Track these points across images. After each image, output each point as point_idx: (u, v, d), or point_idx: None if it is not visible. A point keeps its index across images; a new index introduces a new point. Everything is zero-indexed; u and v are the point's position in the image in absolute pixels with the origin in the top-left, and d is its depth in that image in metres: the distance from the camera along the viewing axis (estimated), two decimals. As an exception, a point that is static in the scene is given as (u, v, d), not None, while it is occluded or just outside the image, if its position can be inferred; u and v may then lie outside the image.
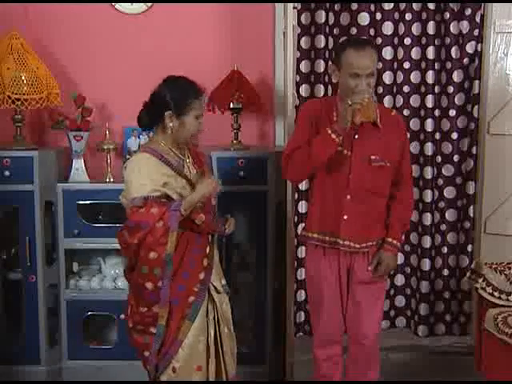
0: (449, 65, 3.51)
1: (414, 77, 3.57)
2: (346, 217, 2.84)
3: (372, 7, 3.50)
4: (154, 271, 2.58)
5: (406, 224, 3.04)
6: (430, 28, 3.49)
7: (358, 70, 2.71)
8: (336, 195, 2.84)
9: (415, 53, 3.54)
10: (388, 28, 3.53)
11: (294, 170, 2.85)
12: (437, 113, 3.57)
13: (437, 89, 3.55)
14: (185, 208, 2.57)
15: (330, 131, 2.71)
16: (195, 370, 2.69)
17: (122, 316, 3.58)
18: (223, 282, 2.82)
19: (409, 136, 3.52)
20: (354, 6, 3.50)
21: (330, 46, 3.52)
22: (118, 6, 3.81)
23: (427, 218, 3.61)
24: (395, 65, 3.58)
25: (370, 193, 2.84)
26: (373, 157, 2.80)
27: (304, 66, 3.53)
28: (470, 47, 3.49)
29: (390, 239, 2.91)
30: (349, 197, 2.83)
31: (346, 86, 2.76)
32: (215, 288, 2.76)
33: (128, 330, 2.76)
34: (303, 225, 3.48)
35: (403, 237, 3.33)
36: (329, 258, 2.91)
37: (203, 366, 2.70)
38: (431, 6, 3.47)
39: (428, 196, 3.60)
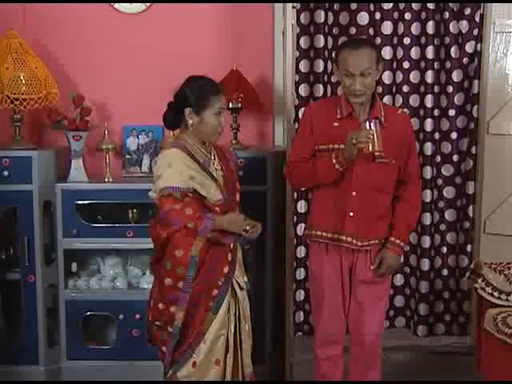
0: (448, 64, 3.50)
1: (414, 76, 3.55)
2: (351, 214, 2.84)
3: (371, 7, 3.49)
4: (176, 269, 2.65)
5: (411, 224, 3.02)
6: (430, 28, 3.48)
7: (351, 68, 2.74)
8: (341, 192, 2.84)
9: (414, 52, 3.53)
10: (387, 28, 3.52)
11: (296, 182, 3.04)
12: (436, 112, 3.56)
13: (436, 88, 3.54)
14: (212, 227, 2.63)
15: (334, 160, 2.75)
16: (214, 363, 2.72)
17: (121, 316, 3.60)
18: (245, 279, 2.86)
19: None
20: (354, 5, 3.48)
21: (330, 45, 3.50)
22: (116, 5, 3.81)
23: (426, 218, 3.59)
24: (394, 64, 3.57)
25: (375, 190, 2.84)
26: (377, 153, 2.80)
27: (303, 66, 3.52)
28: (469, 47, 3.47)
29: (393, 239, 2.90)
30: (354, 193, 2.83)
31: (343, 85, 2.81)
32: (238, 284, 2.79)
33: (148, 322, 2.82)
34: (303, 225, 3.48)
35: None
36: (331, 257, 2.91)
37: (221, 361, 2.73)
38: (431, 5, 3.46)
39: (427, 196, 3.58)
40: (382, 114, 2.85)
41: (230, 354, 2.75)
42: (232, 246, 2.78)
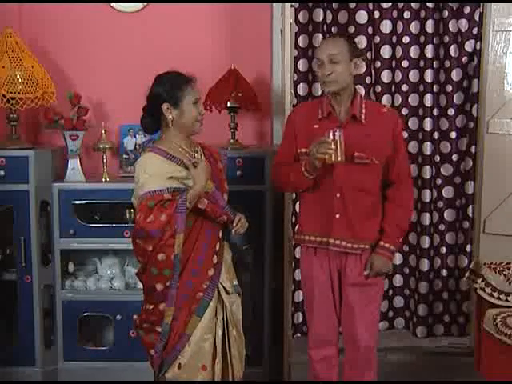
0: (447, 63, 3.48)
1: (413, 75, 3.54)
2: (338, 215, 2.81)
3: (370, 5, 3.47)
4: (163, 272, 2.63)
5: (404, 227, 2.95)
6: (429, 26, 3.46)
7: (319, 53, 2.78)
8: (325, 194, 2.82)
9: (414, 51, 3.52)
10: (386, 26, 3.50)
11: (278, 187, 3.05)
12: (435, 112, 3.54)
13: (435, 88, 3.53)
14: (189, 202, 2.59)
15: (303, 168, 2.75)
16: (200, 369, 2.68)
17: (119, 317, 3.58)
18: (235, 282, 2.82)
19: (407, 135, 3.52)
20: (352, 4, 3.47)
21: (328, 44, 3.49)
22: (114, 4, 3.79)
23: (426, 218, 3.58)
24: (393, 63, 3.55)
25: (356, 190, 2.80)
26: (356, 153, 2.76)
27: (302, 65, 3.52)
28: (468, 45, 3.46)
29: (382, 243, 2.86)
30: (338, 195, 2.80)
31: (318, 76, 2.85)
32: (225, 288, 2.75)
33: (135, 328, 2.81)
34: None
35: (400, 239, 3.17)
36: (320, 259, 2.89)
37: (208, 366, 2.69)
38: (430, 4, 3.45)
39: (427, 196, 3.57)
40: (363, 111, 2.81)
41: (217, 359, 2.71)
42: (218, 248, 2.73)
